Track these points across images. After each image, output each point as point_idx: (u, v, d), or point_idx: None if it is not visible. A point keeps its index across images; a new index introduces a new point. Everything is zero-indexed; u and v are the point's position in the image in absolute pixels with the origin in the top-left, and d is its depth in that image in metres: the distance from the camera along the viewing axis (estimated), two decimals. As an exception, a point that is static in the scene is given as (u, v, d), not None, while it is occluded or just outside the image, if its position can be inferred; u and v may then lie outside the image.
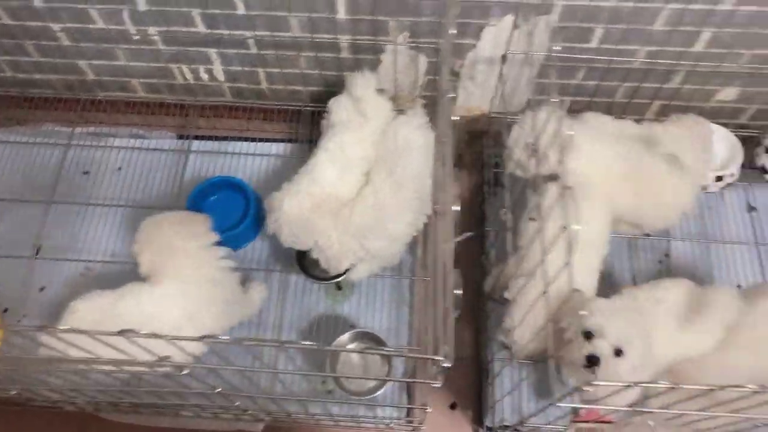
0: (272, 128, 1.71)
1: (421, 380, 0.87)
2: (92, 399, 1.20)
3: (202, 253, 1.23)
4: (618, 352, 1.02)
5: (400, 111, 1.41)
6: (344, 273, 1.35)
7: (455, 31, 1.03)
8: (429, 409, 1.04)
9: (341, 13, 1.39)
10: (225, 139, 1.69)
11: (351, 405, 1.31)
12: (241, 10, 1.40)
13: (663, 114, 1.64)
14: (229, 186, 1.49)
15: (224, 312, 1.24)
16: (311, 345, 0.79)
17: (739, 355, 1.11)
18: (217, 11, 1.41)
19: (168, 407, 1.20)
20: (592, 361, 1.01)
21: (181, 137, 1.69)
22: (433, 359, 0.75)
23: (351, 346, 1.36)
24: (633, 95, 1.57)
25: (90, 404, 1.32)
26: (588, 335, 1.03)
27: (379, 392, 1.28)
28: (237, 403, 1.12)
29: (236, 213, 1.45)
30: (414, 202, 1.25)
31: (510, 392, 1.34)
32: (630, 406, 0.96)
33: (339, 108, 1.37)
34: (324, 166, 1.34)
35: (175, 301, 1.17)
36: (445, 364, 0.75)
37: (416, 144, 1.29)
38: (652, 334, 1.07)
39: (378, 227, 1.23)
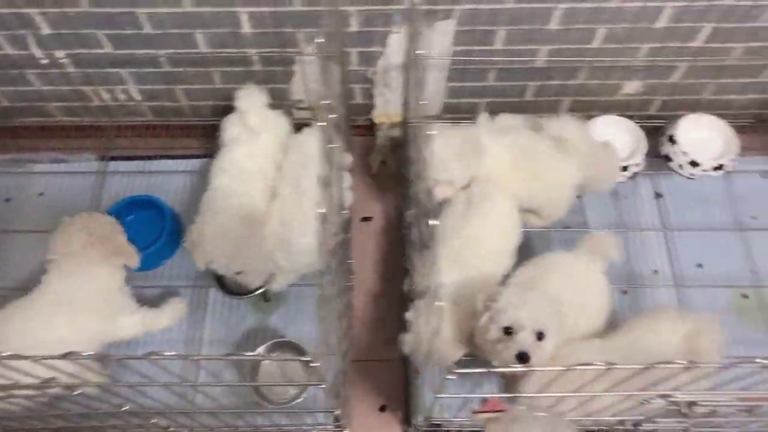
0: (195, 144, 1.72)
1: (314, 383, 0.88)
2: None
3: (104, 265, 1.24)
4: (540, 336, 1.05)
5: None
6: (261, 287, 1.37)
7: (323, 40, 1.06)
8: (337, 412, 1.05)
9: (246, 28, 1.41)
10: (148, 158, 1.69)
11: (274, 415, 1.32)
12: (147, 29, 1.41)
13: (575, 110, 1.70)
14: (146, 205, 1.50)
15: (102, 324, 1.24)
16: (208, 357, 0.80)
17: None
18: (124, 31, 1.42)
19: (84, 429, 1.20)
20: (523, 358, 1.02)
21: (102, 159, 1.69)
22: (301, 360, 0.76)
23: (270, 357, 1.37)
24: (541, 93, 1.62)
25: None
26: (508, 331, 1.05)
27: (300, 399, 1.30)
28: (153, 420, 1.13)
29: (154, 231, 1.45)
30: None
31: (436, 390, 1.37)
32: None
33: (229, 125, 1.40)
34: (224, 187, 1.35)
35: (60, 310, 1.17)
36: (313, 364, 0.77)
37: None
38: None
39: (285, 243, 1.25)
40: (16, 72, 1.54)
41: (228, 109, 1.46)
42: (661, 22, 1.41)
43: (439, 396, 0.87)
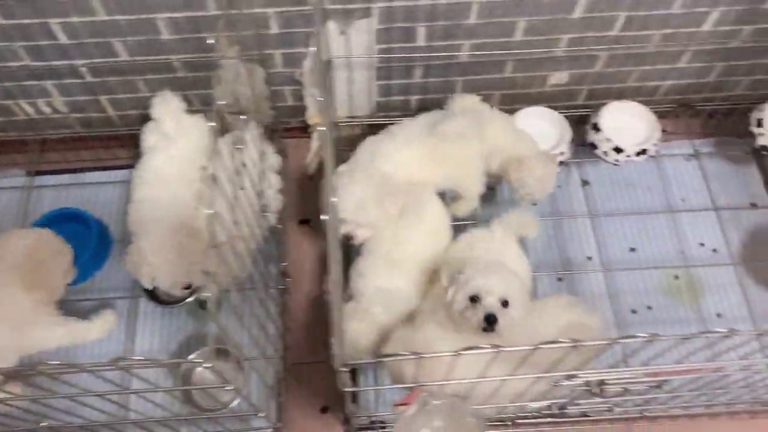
0: (126, 154, 1.70)
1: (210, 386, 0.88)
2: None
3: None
4: (505, 303, 1.08)
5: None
6: (190, 295, 1.36)
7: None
8: (262, 415, 1.05)
9: (165, 34, 1.40)
10: (78, 170, 1.67)
11: (205, 422, 1.31)
12: (63, 39, 1.39)
13: (505, 103, 1.73)
14: (72, 218, 1.47)
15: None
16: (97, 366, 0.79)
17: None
18: (40, 43, 1.39)
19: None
20: (491, 320, 1.06)
21: (29, 173, 1.66)
22: (189, 361, 0.76)
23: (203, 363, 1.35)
24: (470, 88, 1.63)
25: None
26: (474, 299, 1.09)
27: (234, 403, 1.29)
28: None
29: (81, 244, 1.43)
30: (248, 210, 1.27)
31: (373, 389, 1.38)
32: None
33: (147, 134, 1.39)
34: (148, 199, 1.34)
35: None
36: (205, 365, 0.77)
37: (251, 155, 1.31)
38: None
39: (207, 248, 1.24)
40: (-66, 88, 1.50)
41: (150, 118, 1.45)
42: (577, 13, 1.44)
43: (348, 390, 0.87)
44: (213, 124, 0.88)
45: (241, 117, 1.23)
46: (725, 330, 0.76)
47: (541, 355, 0.76)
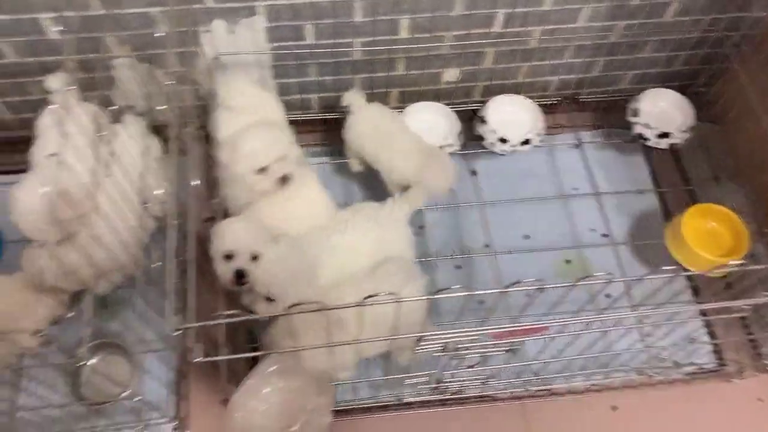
0: (23, 159, 1.69)
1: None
2: None
3: None
4: (255, 257, 1.17)
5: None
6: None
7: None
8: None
9: (53, 35, 1.41)
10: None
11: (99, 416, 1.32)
12: (-54, 40, 1.39)
13: (404, 100, 1.79)
14: None
15: None
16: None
17: None
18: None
19: None
20: (240, 274, 1.15)
21: None
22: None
23: (94, 360, 1.36)
24: (368, 86, 1.69)
25: None
26: (229, 257, 1.17)
27: (124, 394, 1.30)
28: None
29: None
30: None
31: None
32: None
33: (39, 120, 1.39)
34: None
35: None
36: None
37: (130, 149, 1.33)
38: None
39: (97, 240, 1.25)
40: None
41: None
42: (457, 10, 1.51)
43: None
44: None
45: (109, 108, 1.25)
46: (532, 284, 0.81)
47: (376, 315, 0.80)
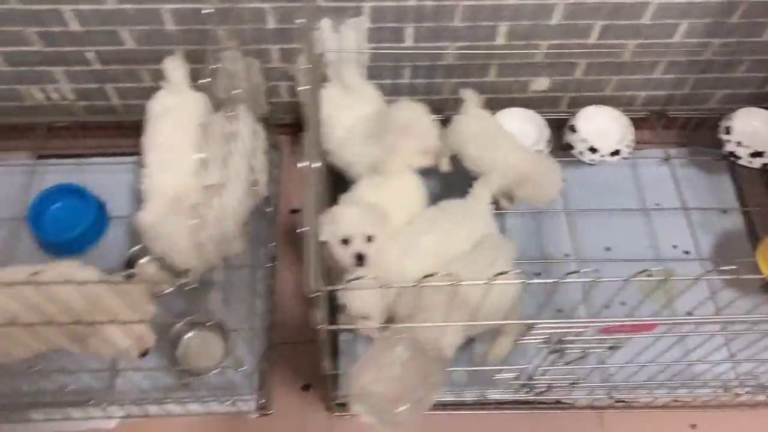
0: (127, 143, 1.78)
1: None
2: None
3: None
4: (370, 238, 1.23)
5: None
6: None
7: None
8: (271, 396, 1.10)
9: (170, 25, 1.49)
10: (80, 156, 1.75)
11: (197, 395, 1.37)
12: (74, 26, 1.48)
13: (491, 107, 1.81)
14: (72, 193, 1.56)
15: None
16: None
17: None
18: (52, 29, 1.49)
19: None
20: (360, 257, 1.22)
21: (36, 157, 1.74)
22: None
23: (190, 334, 1.42)
24: (457, 91, 1.72)
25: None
26: (345, 242, 1.23)
27: (216, 370, 1.34)
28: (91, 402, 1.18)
29: (79, 218, 1.51)
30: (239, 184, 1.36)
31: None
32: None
33: (154, 102, 1.46)
34: (160, 165, 1.41)
35: None
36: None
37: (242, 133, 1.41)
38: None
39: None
40: (-52, 70, 1.59)
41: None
42: (555, 19, 1.54)
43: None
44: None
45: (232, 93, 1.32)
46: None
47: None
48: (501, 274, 0.85)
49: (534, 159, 1.50)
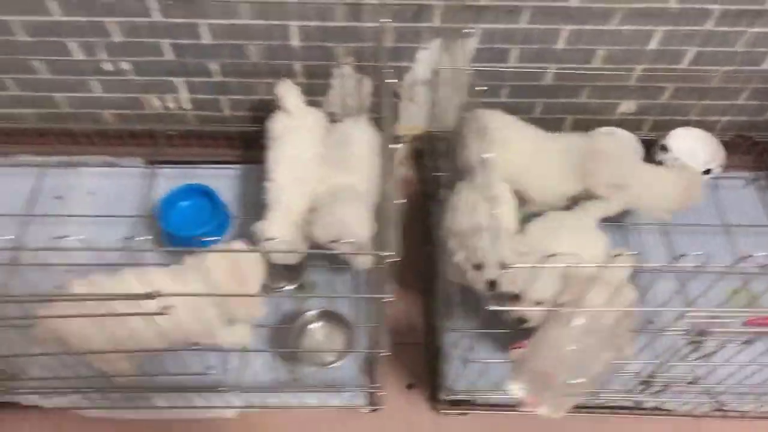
0: (233, 153, 1.89)
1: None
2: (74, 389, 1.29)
3: None
4: (504, 266, 1.22)
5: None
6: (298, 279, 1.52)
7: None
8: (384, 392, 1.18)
9: (295, 41, 1.61)
10: (191, 163, 1.85)
11: (315, 387, 1.44)
12: (206, 39, 1.60)
13: (576, 128, 1.91)
14: (198, 193, 1.67)
15: None
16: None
17: None
18: (184, 41, 1.60)
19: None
20: (493, 283, 1.24)
21: (150, 163, 1.84)
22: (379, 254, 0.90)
23: (317, 324, 1.49)
24: (547, 111, 1.82)
25: (69, 397, 1.40)
26: (478, 267, 1.27)
27: (339, 362, 1.41)
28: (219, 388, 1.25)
29: (205, 216, 1.61)
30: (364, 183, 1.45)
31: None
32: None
33: (275, 123, 1.55)
34: (287, 180, 1.50)
35: None
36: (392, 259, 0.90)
37: (361, 138, 1.50)
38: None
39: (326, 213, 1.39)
40: (81, 78, 1.71)
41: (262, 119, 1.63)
42: (652, 45, 1.64)
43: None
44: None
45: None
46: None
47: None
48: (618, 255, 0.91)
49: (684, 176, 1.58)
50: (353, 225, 1.35)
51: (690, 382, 1.24)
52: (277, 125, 1.56)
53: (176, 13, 1.53)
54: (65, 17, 1.54)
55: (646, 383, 1.27)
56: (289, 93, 1.58)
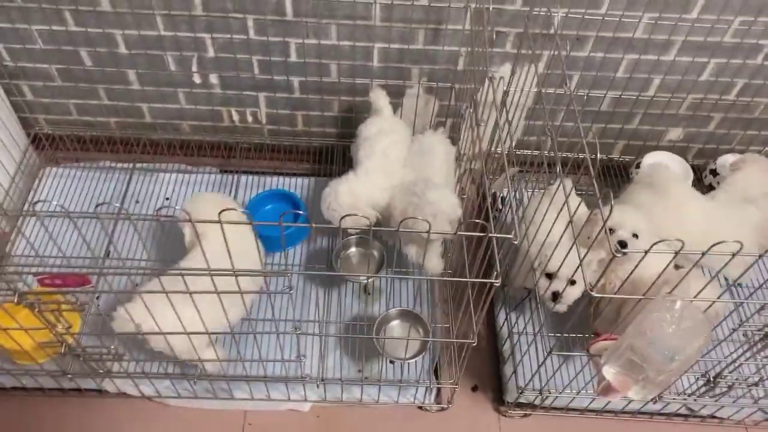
0: (295, 167, 2.00)
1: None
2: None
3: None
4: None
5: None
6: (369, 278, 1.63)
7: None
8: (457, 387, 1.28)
9: (375, 62, 1.74)
10: (262, 173, 1.96)
11: (385, 388, 1.53)
12: (293, 57, 1.73)
13: (625, 153, 2.02)
14: (281, 197, 1.79)
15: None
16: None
17: None
18: (273, 58, 1.73)
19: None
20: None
21: (223, 172, 1.96)
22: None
23: (396, 321, 1.58)
24: (601, 135, 1.94)
25: (157, 385, 1.48)
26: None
27: (417, 357, 1.50)
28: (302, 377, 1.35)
29: (288, 218, 1.72)
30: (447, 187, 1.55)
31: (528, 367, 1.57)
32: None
33: (369, 126, 1.66)
34: (374, 167, 1.59)
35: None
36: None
37: (440, 150, 1.62)
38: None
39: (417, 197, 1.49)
40: (171, 90, 1.83)
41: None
42: (705, 77, 1.76)
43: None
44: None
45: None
46: None
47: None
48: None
49: None
50: (444, 204, 1.44)
51: (754, 384, 1.32)
52: (371, 128, 1.66)
53: (272, 31, 1.66)
54: (168, 32, 1.67)
55: (712, 383, 1.34)
56: (383, 98, 1.69)
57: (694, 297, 1.07)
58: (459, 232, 1.11)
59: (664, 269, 1.06)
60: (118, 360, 1.34)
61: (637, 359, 1.01)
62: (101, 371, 1.41)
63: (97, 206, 1.75)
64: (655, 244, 0.99)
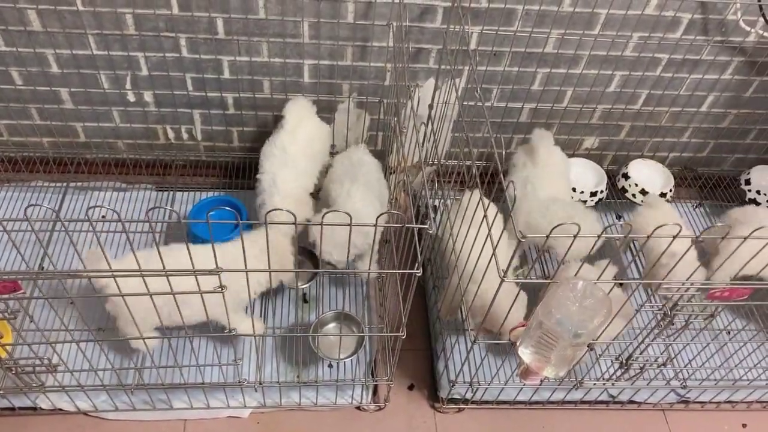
0: (237, 182, 2.05)
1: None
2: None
3: None
4: None
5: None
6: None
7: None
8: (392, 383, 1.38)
9: (306, 77, 1.81)
10: (198, 189, 2.00)
11: (324, 390, 1.58)
12: (225, 74, 1.79)
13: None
14: (224, 203, 1.85)
15: None
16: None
17: None
18: (206, 75, 1.78)
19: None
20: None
21: (159, 189, 1.99)
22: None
23: (333, 324, 1.63)
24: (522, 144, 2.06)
25: (94, 400, 1.48)
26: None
27: (352, 357, 1.55)
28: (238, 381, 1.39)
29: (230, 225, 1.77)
30: (376, 201, 1.62)
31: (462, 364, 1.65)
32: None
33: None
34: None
35: None
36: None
37: (368, 161, 1.70)
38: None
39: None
40: (105, 109, 1.86)
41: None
42: (612, 88, 1.92)
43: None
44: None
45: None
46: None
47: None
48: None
49: None
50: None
51: (663, 364, 1.43)
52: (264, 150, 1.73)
53: (202, 48, 1.72)
54: (101, 51, 1.70)
55: (625, 365, 1.45)
56: (294, 109, 1.75)
57: (596, 281, 1.17)
58: (379, 224, 1.16)
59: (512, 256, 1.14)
60: (52, 371, 1.34)
61: (547, 337, 1.10)
62: (35, 385, 1.41)
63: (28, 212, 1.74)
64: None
